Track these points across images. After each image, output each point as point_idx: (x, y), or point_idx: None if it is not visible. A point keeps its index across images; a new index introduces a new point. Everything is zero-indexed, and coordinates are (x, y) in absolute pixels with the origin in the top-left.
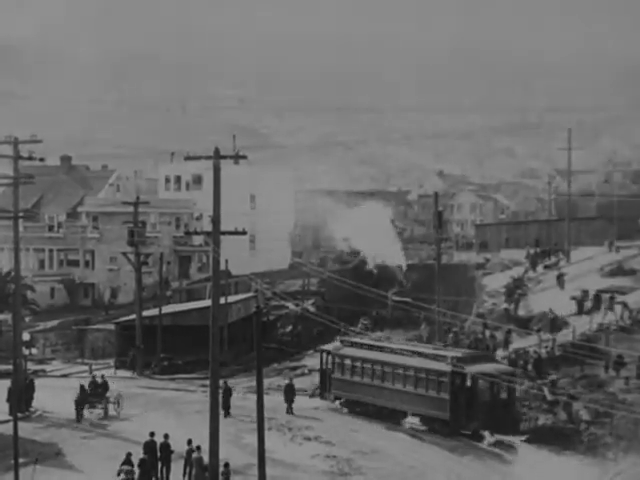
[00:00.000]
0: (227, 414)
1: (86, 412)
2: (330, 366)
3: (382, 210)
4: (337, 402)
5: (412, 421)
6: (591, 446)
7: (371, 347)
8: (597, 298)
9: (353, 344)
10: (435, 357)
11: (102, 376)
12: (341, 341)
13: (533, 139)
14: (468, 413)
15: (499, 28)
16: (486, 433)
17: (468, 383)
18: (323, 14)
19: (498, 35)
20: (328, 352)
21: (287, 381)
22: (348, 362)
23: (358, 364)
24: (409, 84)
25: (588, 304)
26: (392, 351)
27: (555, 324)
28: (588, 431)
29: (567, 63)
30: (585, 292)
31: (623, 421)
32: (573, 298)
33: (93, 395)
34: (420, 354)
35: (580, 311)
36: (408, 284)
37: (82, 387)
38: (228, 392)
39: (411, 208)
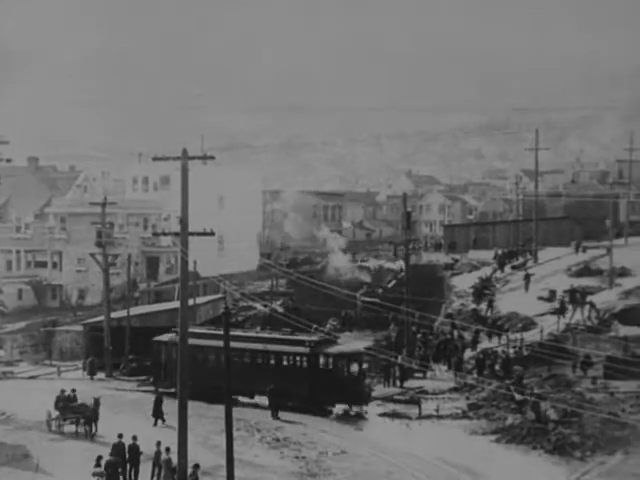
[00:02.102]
0: (157, 421)
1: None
2: (166, 356)
3: None
4: (173, 389)
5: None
6: (559, 445)
7: (214, 336)
8: (572, 295)
9: (192, 334)
10: (293, 342)
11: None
12: (176, 332)
13: (501, 140)
14: (325, 389)
15: (467, 29)
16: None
17: (325, 363)
18: (294, 13)
19: (466, 36)
20: (165, 343)
21: (271, 385)
22: (192, 351)
23: (202, 352)
24: (377, 84)
25: (555, 304)
26: (243, 339)
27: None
28: (556, 430)
29: (534, 64)
30: (552, 292)
31: (591, 420)
32: (540, 298)
33: (67, 409)
34: (279, 340)
35: (562, 311)
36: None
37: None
38: (159, 400)
39: (380, 209)
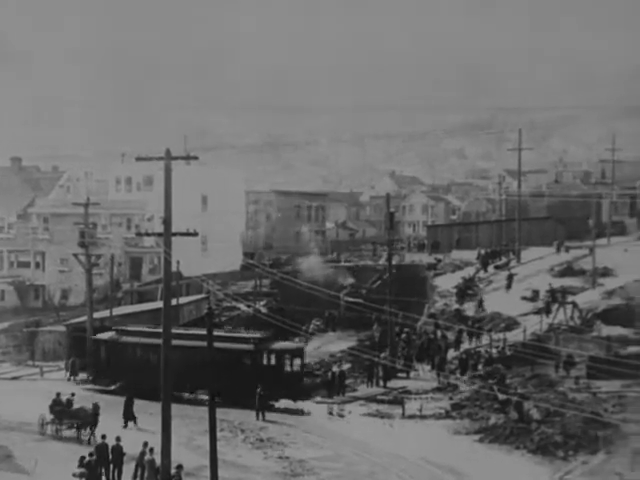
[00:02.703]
0: (128, 423)
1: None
2: (106, 355)
3: None
4: (113, 387)
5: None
6: (542, 445)
7: (154, 334)
8: (553, 295)
9: (131, 332)
10: (238, 339)
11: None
12: (116, 330)
13: (484, 140)
14: (269, 385)
15: (450, 28)
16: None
17: (268, 359)
18: (276, 14)
19: (449, 35)
20: (105, 341)
21: (260, 392)
22: (130, 349)
23: (139, 350)
24: (361, 85)
25: (538, 304)
26: (189, 337)
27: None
28: (539, 430)
29: (518, 63)
30: (536, 292)
31: (573, 420)
32: (524, 298)
33: (64, 414)
34: (224, 337)
35: (548, 310)
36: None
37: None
38: (130, 402)
39: (363, 209)
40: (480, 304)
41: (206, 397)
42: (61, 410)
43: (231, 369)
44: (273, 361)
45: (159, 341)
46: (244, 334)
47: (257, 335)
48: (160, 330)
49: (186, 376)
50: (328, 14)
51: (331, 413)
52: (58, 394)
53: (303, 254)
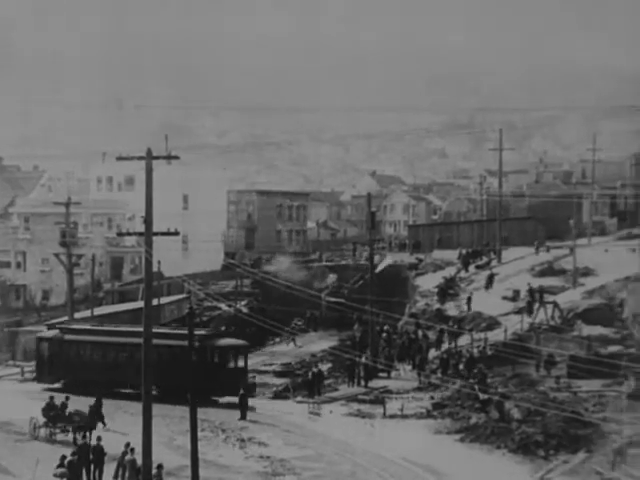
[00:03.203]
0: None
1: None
2: (50, 352)
3: None
4: (57, 384)
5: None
6: (523, 444)
7: (98, 332)
8: (531, 294)
9: (75, 331)
10: (182, 336)
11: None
12: (59, 328)
13: (465, 140)
14: (213, 381)
15: (431, 28)
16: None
17: (212, 355)
18: (256, 14)
19: (430, 35)
20: (49, 339)
21: (242, 391)
22: (73, 347)
23: (83, 348)
24: (342, 85)
25: (519, 304)
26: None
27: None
28: (520, 429)
29: (499, 63)
30: (516, 292)
31: (554, 419)
32: (504, 298)
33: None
34: (168, 334)
35: (530, 310)
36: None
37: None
38: (99, 402)
39: (344, 209)
40: (468, 303)
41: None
42: (56, 415)
43: (175, 366)
44: (217, 358)
45: (103, 339)
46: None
47: (202, 332)
48: (103, 328)
49: (131, 373)
50: (310, 14)
51: (311, 412)
52: (51, 397)
53: (283, 253)
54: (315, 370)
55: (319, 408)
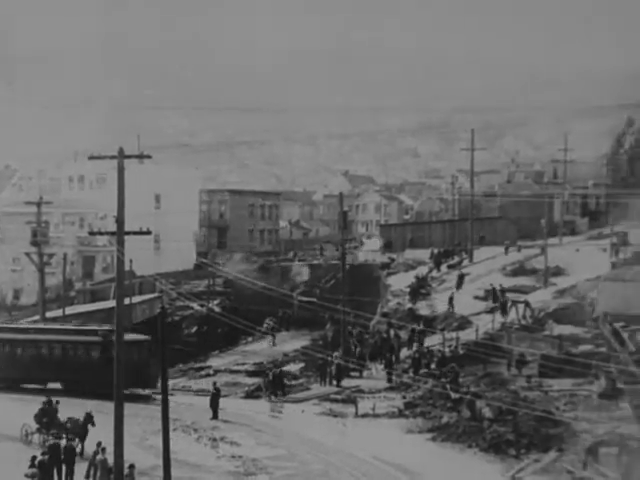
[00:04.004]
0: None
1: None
2: None
3: None
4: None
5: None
6: (494, 443)
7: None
8: (494, 294)
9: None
10: (87, 332)
11: (56, 402)
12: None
13: (437, 139)
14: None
15: (403, 27)
16: None
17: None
18: (231, 15)
19: (403, 35)
20: None
21: (214, 391)
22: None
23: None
24: (314, 84)
25: (491, 303)
26: (40, 331)
27: None
28: (491, 429)
29: (472, 64)
30: (488, 291)
31: (525, 418)
32: (476, 297)
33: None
34: (73, 331)
35: (503, 310)
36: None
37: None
38: (49, 404)
39: (316, 208)
40: (450, 302)
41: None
42: (49, 421)
43: (81, 361)
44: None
45: (22, 337)
46: (93, 327)
47: (105, 328)
48: (22, 326)
49: (37, 369)
50: (285, 14)
51: (273, 411)
52: (44, 402)
53: (258, 253)
54: (277, 370)
55: (281, 407)
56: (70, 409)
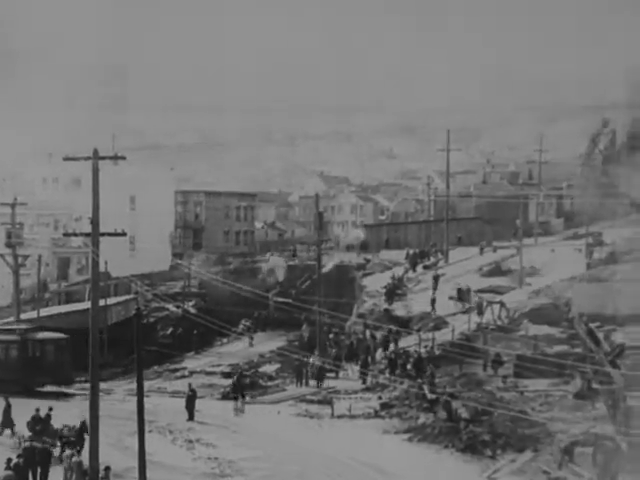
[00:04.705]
0: (3, 431)
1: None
2: None
3: None
4: None
5: None
6: (470, 444)
7: None
8: (459, 292)
9: None
10: (4, 331)
11: (50, 409)
12: None
13: (412, 140)
14: (35, 372)
15: (374, 28)
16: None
17: (33, 348)
18: (209, 15)
19: (374, 35)
20: None
21: (189, 392)
22: None
23: None
24: (292, 85)
25: (467, 304)
26: None
27: None
28: (467, 429)
29: (449, 65)
30: (460, 291)
31: (501, 419)
32: (451, 298)
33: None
34: None
35: (480, 311)
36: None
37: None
38: (8, 407)
39: (292, 209)
40: (432, 304)
41: None
42: (42, 429)
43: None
44: (38, 351)
45: None
46: (11, 326)
47: (22, 327)
48: None
49: None
50: (260, 13)
51: (236, 409)
52: (37, 409)
53: (232, 254)
54: (238, 371)
55: (243, 407)
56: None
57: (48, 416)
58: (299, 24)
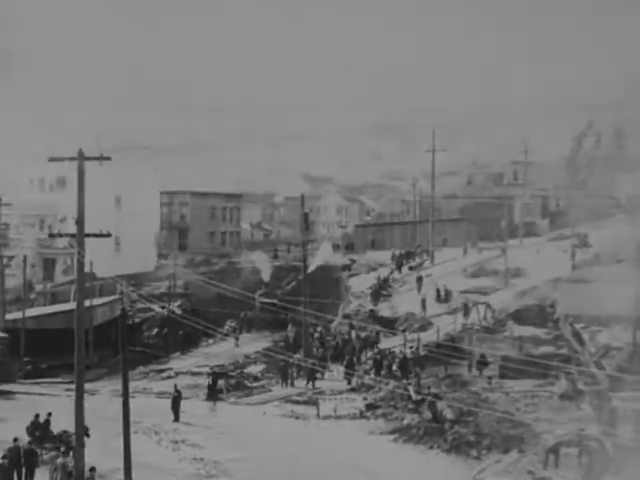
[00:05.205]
0: None
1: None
2: None
3: None
4: None
5: None
6: (455, 444)
7: None
8: (437, 293)
9: None
10: None
11: (48, 414)
12: None
13: (398, 141)
14: None
15: (359, 28)
16: None
17: None
18: (186, 14)
19: (351, 35)
20: None
21: (175, 393)
22: None
23: None
24: (273, 86)
25: (452, 304)
26: None
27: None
28: (452, 430)
29: (430, 64)
30: (449, 293)
31: (486, 419)
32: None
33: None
34: None
35: (466, 312)
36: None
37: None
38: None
39: (278, 210)
40: (423, 304)
41: None
42: (43, 435)
43: None
44: None
45: None
46: None
47: None
48: None
49: None
50: (245, 14)
51: (210, 410)
52: (37, 415)
53: (218, 255)
54: (213, 374)
55: (214, 407)
56: None
57: (47, 421)
58: (281, 24)
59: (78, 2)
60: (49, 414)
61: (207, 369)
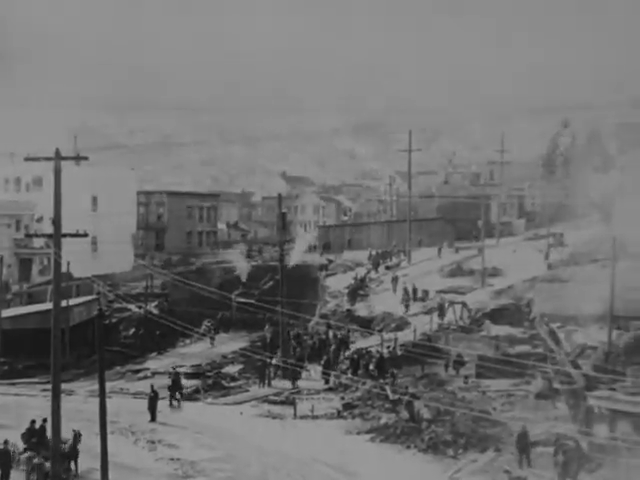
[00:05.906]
0: None
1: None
2: None
3: None
4: None
5: None
6: (432, 444)
7: None
8: (405, 292)
9: None
10: None
11: (44, 420)
12: None
13: (374, 140)
14: None
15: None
16: None
17: None
18: (163, 14)
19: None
20: None
21: (152, 393)
22: None
23: None
24: (251, 85)
25: (428, 304)
26: None
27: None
28: (429, 429)
29: (406, 65)
30: (425, 292)
31: (463, 419)
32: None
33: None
34: None
35: (442, 312)
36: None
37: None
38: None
39: (255, 210)
40: (406, 306)
41: None
42: (38, 442)
43: None
44: None
45: None
46: None
47: None
48: None
49: None
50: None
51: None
52: (33, 421)
53: (195, 254)
54: (173, 371)
55: (179, 405)
56: None
57: (43, 428)
58: (261, 24)
59: (53, 3)
60: (44, 420)
61: (185, 369)
